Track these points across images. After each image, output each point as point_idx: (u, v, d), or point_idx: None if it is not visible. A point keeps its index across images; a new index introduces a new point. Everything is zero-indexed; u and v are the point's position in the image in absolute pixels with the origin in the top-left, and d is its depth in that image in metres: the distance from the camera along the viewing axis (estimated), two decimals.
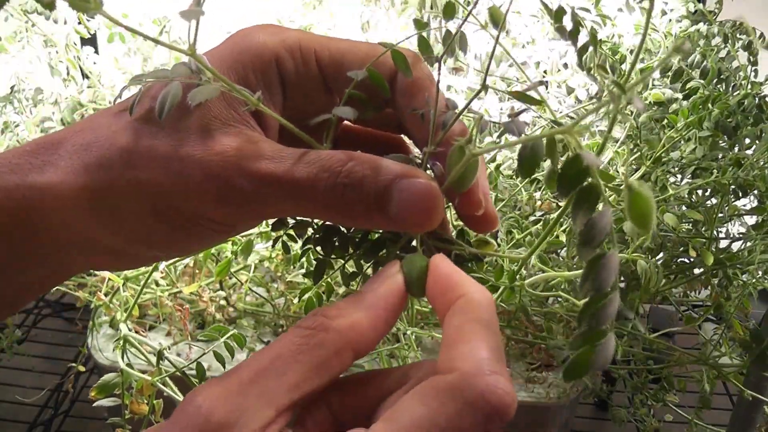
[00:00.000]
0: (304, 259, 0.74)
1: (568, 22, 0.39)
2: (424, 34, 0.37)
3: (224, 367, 0.59)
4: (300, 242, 0.41)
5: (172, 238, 0.35)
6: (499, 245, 0.63)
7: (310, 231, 0.40)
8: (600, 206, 0.26)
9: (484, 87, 0.35)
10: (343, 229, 0.39)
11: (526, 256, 0.52)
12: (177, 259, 0.76)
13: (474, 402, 0.26)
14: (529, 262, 0.60)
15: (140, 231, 0.34)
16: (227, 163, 0.32)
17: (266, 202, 0.33)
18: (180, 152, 0.32)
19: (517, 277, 0.56)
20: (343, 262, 0.41)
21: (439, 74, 0.35)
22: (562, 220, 0.65)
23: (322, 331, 0.29)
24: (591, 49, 0.46)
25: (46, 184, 0.33)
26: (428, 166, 0.35)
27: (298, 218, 0.40)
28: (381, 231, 0.38)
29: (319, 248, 0.40)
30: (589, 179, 0.26)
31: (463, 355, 0.28)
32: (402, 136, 0.41)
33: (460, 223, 0.38)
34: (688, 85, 0.67)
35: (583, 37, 0.42)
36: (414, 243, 0.36)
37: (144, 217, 0.34)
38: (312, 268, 0.42)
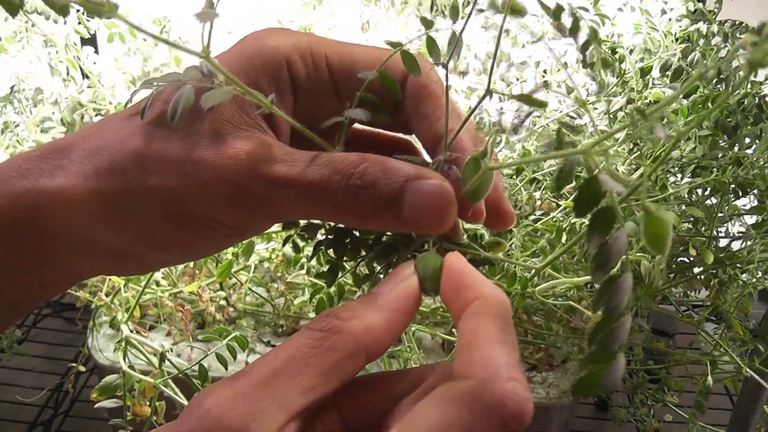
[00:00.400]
0: (305, 260, 0.74)
1: (567, 21, 0.39)
2: (431, 34, 0.37)
3: (226, 369, 0.59)
4: (312, 244, 0.41)
5: (183, 241, 0.35)
6: (510, 254, 0.63)
7: (321, 232, 0.40)
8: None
9: (489, 92, 0.35)
10: (355, 231, 0.39)
11: (541, 267, 0.52)
12: None
13: (492, 408, 0.26)
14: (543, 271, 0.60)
15: (152, 235, 0.34)
16: (240, 166, 0.32)
17: (279, 205, 0.33)
18: (192, 156, 0.32)
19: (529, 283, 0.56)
20: (355, 264, 0.40)
21: (447, 78, 0.35)
22: (561, 219, 0.66)
23: (336, 333, 0.29)
24: (592, 46, 0.46)
25: (56, 188, 0.32)
26: (444, 169, 0.35)
27: (308, 220, 0.40)
28: (393, 233, 0.38)
29: (330, 251, 0.40)
30: (605, 202, 0.26)
31: (480, 360, 0.27)
32: (411, 138, 0.41)
33: (472, 227, 0.37)
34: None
35: (583, 36, 0.42)
36: (426, 246, 0.36)
37: (156, 220, 0.33)
38: (321, 270, 0.41)
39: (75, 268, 0.36)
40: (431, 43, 0.36)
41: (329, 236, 0.39)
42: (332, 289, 0.57)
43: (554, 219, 0.68)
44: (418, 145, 0.38)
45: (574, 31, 0.38)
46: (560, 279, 0.57)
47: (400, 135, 0.41)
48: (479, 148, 0.35)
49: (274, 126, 0.35)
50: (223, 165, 0.32)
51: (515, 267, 0.57)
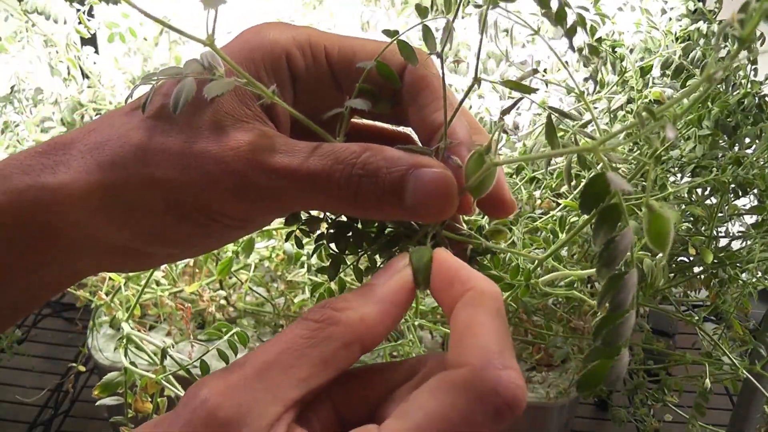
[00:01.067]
0: (305, 258, 0.74)
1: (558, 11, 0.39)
2: (425, 26, 0.37)
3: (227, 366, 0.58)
4: (313, 240, 0.41)
5: (184, 235, 0.35)
6: (514, 243, 0.63)
7: (323, 226, 0.40)
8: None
9: (477, 80, 0.35)
10: (357, 224, 0.39)
11: (544, 257, 0.52)
12: None
13: (487, 396, 0.26)
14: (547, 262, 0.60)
15: (153, 229, 0.34)
16: (242, 157, 0.32)
17: (281, 196, 0.33)
18: (194, 148, 0.32)
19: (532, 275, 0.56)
20: (357, 258, 0.40)
21: (442, 69, 0.35)
22: (562, 217, 0.66)
23: (331, 324, 0.29)
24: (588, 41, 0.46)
25: (58, 184, 0.33)
26: (444, 157, 0.35)
27: (311, 213, 0.40)
28: (395, 226, 0.38)
29: (332, 245, 0.40)
30: (612, 199, 0.26)
31: (473, 350, 0.28)
32: (409, 131, 0.41)
33: (474, 217, 0.38)
34: (689, 82, 0.67)
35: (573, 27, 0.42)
36: (429, 237, 0.36)
37: (159, 214, 0.34)
38: (323, 265, 0.41)
39: (76, 266, 0.36)
40: (427, 32, 0.36)
41: (331, 230, 0.39)
42: (333, 285, 0.57)
43: (554, 217, 0.68)
44: (416, 137, 0.39)
45: (560, 18, 0.38)
46: (563, 271, 0.57)
47: (400, 128, 0.41)
48: (475, 137, 0.35)
49: (275, 118, 0.35)
50: (225, 156, 0.32)
51: (518, 258, 0.57)
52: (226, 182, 0.32)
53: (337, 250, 0.40)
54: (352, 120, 0.40)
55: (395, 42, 0.35)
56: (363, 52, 0.36)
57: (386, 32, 0.36)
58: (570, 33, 0.39)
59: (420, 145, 0.37)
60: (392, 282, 0.31)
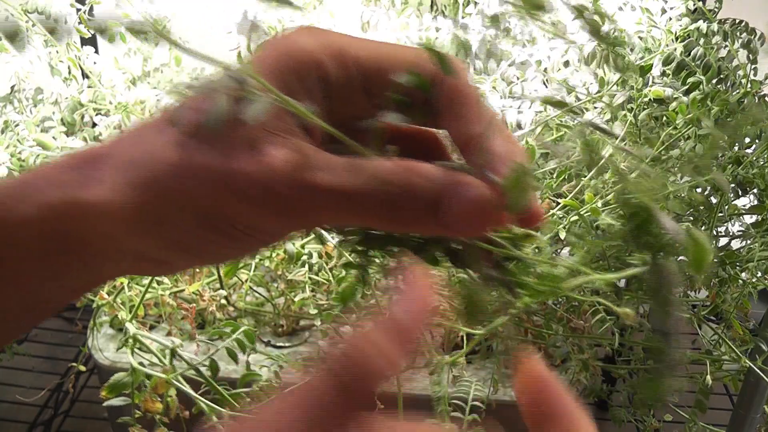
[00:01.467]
0: (305, 257, 0.75)
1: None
2: (439, 34, 0.37)
3: (236, 363, 0.58)
4: (313, 240, 0.41)
5: (216, 247, 0.35)
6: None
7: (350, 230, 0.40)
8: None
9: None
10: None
11: (578, 264, 0.52)
12: None
13: None
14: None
15: (188, 243, 0.34)
16: (277, 174, 0.32)
17: (317, 212, 0.33)
18: (228, 165, 0.32)
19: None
20: (383, 260, 0.40)
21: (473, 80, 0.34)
22: (561, 216, 0.66)
23: None
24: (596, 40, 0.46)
25: (90, 199, 0.32)
26: (482, 173, 0.34)
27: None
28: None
29: (359, 247, 0.40)
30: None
31: None
32: (435, 130, 0.40)
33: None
34: (690, 80, 0.67)
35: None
36: (454, 244, 0.35)
37: (193, 230, 0.33)
38: (349, 261, 0.41)
39: (101, 274, 0.36)
40: (460, 44, 0.36)
41: (360, 235, 0.39)
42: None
43: (554, 216, 0.68)
44: (447, 141, 0.38)
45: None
46: (593, 275, 0.57)
47: (433, 130, 0.41)
48: (510, 150, 0.35)
49: (307, 128, 0.35)
50: (260, 173, 0.32)
51: (548, 265, 0.56)
52: (260, 199, 0.32)
53: (366, 250, 0.39)
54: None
55: (426, 49, 0.35)
56: (395, 58, 0.36)
57: (419, 44, 0.35)
58: (580, 14, 0.39)
59: (452, 146, 0.37)
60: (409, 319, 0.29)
